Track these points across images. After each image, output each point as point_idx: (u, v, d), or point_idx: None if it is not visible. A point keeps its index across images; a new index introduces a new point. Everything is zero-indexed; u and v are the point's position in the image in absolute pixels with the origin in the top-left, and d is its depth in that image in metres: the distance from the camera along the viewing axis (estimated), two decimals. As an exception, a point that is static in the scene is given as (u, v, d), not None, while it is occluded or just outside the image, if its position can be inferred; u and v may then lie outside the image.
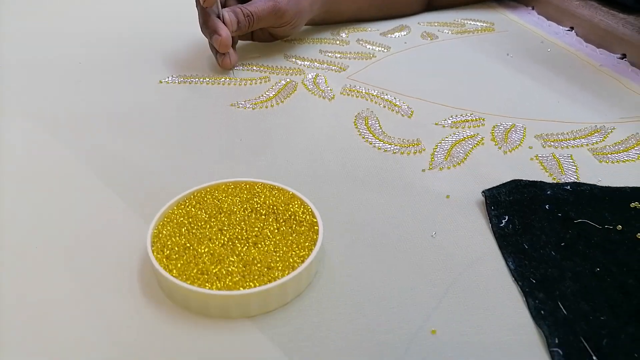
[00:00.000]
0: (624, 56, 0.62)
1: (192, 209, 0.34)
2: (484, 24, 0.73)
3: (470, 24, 0.74)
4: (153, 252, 0.30)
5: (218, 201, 0.35)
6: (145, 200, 0.37)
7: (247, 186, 0.36)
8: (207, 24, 0.52)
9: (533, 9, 0.78)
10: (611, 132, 0.47)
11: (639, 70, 0.58)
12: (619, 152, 0.44)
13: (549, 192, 0.39)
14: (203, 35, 0.55)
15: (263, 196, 0.35)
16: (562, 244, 0.34)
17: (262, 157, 0.43)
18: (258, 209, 0.34)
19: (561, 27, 0.71)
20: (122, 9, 0.77)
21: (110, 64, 0.59)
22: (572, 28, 0.70)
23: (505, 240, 0.34)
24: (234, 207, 0.34)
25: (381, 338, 0.28)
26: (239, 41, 0.61)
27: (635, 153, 0.44)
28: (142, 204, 0.37)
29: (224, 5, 0.55)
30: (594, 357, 0.27)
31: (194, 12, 0.55)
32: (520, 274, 0.32)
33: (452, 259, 0.33)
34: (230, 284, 0.29)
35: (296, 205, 0.34)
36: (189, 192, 0.35)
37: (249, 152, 0.44)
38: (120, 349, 0.27)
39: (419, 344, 0.28)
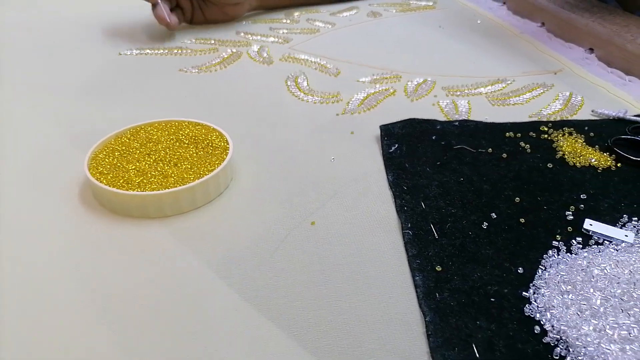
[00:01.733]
0: (542, 24, 0.68)
1: (127, 140, 0.41)
2: (428, 3, 0.80)
3: (414, 3, 0.80)
4: (89, 169, 0.37)
5: (149, 134, 0.41)
6: (96, 139, 0.44)
7: (176, 123, 0.43)
8: None
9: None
10: (511, 83, 0.53)
11: (552, 35, 0.65)
12: (511, 97, 0.50)
13: (438, 127, 0.45)
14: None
15: (188, 130, 0.42)
16: (438, 163, 0.40)
17: (200, 108, 0.50)
18: (182, 139, 0.41)
19: (495, 3, 0.78)
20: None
21: (77, 40, 0.66)
22: (504, 2, 0.77)
23: (390, 161, 0.41)
24: (162, 138, 0.41)
25: (270, 228, 0.35)
26: (195, 26, 0.68)
27: (526, 97, 0.50)
28: (94, 142, 0.44)
29: None
30: (436, 235, 0.33)
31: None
32: (395, 184, 0.38)
33: (343, 175, 0.40)
34: (149, 190, 0.35)
35: (214, 136, 0.41)
36: (126, 128, 0.42)
37: (191, 105, 0.50)
38: (61, 242, 0.34)
39: (298, 232, 0.34)
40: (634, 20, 0.59)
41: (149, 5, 0.62)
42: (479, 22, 0.72)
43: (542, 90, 0.52)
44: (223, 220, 0.36)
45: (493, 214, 0.35)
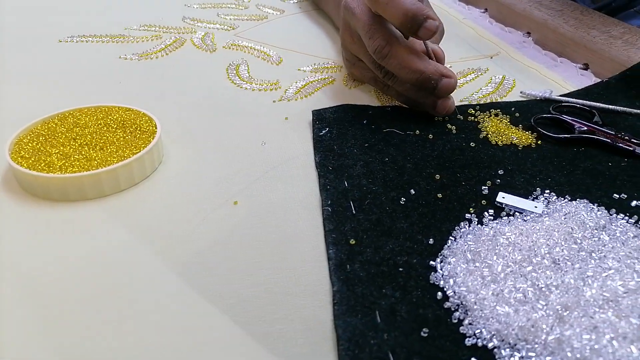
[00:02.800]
0: (485, 10, 0.70)
1: (53, 125, 0.40)
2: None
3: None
4: (11, 154, 0.37)
5: (77, 119, 0.41)
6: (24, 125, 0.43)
7: (106, 109, 0.42)
8: (428, 70, 0.41)
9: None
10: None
11: (493, 20, 0.66)
12: (446, 81, 0.52)
13: (370, 112, 0.46)
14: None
15: (117, 115, 0.42)
16: (366, 144, 0.41)
17: (137, 94, 0.49)
18: (110, 124, 0.41)
19: (444, -8, 0.79)
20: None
21: (16, 27, 0.64)
22: (452, -8, 0.78)
23: (320, 144, 0.41)
24: (89, 123, 0.41)
25: (193, 209, 0.35)
26: (140, 12, 0.67)
27: (459, 83, 0.52)
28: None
29: None
30: (353, 211, 0.34)
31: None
32: (321, 164, 0.39)
33: (272, 158, 0.40)
34: (70, 173, 0.35)
35: (143, 121, 0.41)
36: (54, 113, 0.41)
37: (126, 91, 0.50)
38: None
39: (220, 211, 0.35)
40: (568, 5, 0.61)
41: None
42: (425, 10, 0.73)
43: (475, 75, 0.53)
44: (147, 202, 0.36)
45: (412, 190, 0.36)
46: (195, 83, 0.52)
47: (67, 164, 0.36)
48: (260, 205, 0.35)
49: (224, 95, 0.50)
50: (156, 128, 0.40)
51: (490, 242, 0.30)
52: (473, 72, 0.53)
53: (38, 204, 0.35)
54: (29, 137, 0.39)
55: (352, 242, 0.31)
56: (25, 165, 0.36)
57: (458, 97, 0.49)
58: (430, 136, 0.42)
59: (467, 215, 0.33)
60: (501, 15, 0.66)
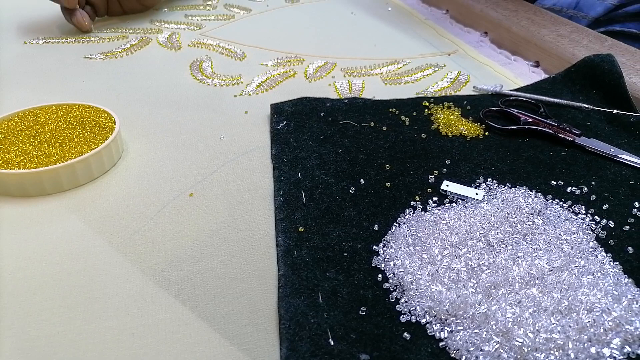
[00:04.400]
0: (447, 11, 0.72)
1: (13, 123, 0.41)
2: (345, -8, 0.83)
3: (333, -8, 0.83)
4: (-32, 152, 0.37)
5: (38, 117, 0.42)
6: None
7: (67, 107, 0.43)
8: None
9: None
10: (406, 64, 0.56)
11: (453, 21, 0.68)
12: (403, 77, 0.53)
13: (328, 105, 0.47)
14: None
15: (77, 112, 0.42)
16: (322, 137, 0.43)
17: (100, 93, 0.50)
18: (70, 121, 0.41)
19: (408, -8, 0.81)
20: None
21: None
22: (415, -9, 0.80)
23: (277, 137, 0.43)
24: (50, 120, 0.41)
25: (149, 202, 0.36)
26: (111, 16, 0.68)
27: (417, 77, 0.53)
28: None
29: None
30: (304, 200, 0.35)
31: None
32: (277, 156, 0.40)
33: (230, 151, 0.41)
34: (28, 169, 0.36)
35: (103, 117, 0.42)
36: (15, 112, 0.42)
37: (90, 90, 0.51)
38: None
39: (176, 203, 0.36)
40: (522, 5, 0.64)
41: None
42: (389, 9, 0.75)
43: (433, 70, 0.55)
44: (104, 196, 0.36)
45: (362, 180, 0.37)
46: (158, 80, 0.53)
47: (25, 161, 0.37)
48: (215, 196, 0.36)
49: (186, 91, 0.51)
50: (115, 124, 0.41)
51: (430, 227, 0.32)
52: (431, 67, 0.55)
53: (-4, 199, 0.36)
54: (-13, 135, 0.39)
55: (301, 229, 0.33)
56: (-18, 161, 0.36)
57: (414, 90, 0.51)
58: (384, 128, 0.44)
59: (413, 203, 0.35)
60: (461, 15, 0.68)
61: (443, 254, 0.30)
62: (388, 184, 0.37)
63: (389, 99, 0.48)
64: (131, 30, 0.64)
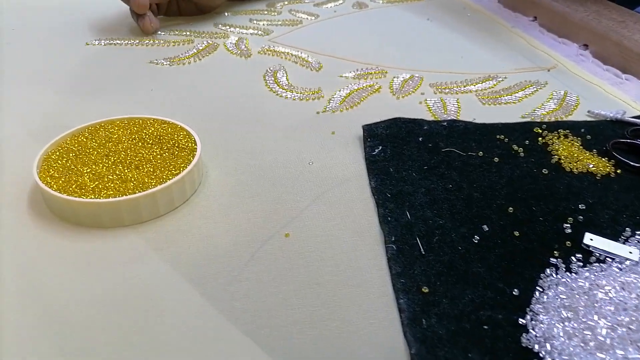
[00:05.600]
0: (535, 18, 0.65)
1: (84, 139, 0.37)
2: (416, -5, 0.77)
3: (402, -6, 0.77)
4: (39, 173, 0.33)
5: (110, 133, 0.37)
6: (51, 135, 0.40)
7: (140, 121, 0.39)
8: None
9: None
10: (502, 80, 0.51)
11: (544, 30, 0.62)
12: (503, 96, 0.48)
13: (425, 128, 0.42)
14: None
15: (152, 129, 0.38)
16: (425, 167, 0.37)
17: (170, 103, 0.46)
18: (145, 139, 0.37)
19: (486, -4, 0.75)
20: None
21: (41, 29, 0.61)
22: (495, -4, 0.74)
23: (374, 165, 0.38)
24: (123, 138, 0.37)
25: (241, 241, 0.31)
26: (169, 17, 0.64)
27: (518, 96, 0.47)
28: (48, 138, 0.40)
29: None
30: (422, 250, 0.30)
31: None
32: (378, 190, 0.35)
33: (322, 181, 0.36)
34: (104, 196, 0.32)
35: (181, 136, 0.37)
36: (84, 125, 0.38)
37: (159, 99, 0.47)
38: (6, 255, 0.30)
39: (271, 245, 0.31)
40: (629, 15, 0.57)
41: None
42: (468, 15, 0.68)
43: (535, 89, 0.49)
44: (188, 231, 0.32)
45: (485, 226, 0.32)
46: (232, 91, 0.48)
47: (100, 186, 0.32)
48: (315, 238, 0.31)
49: (263, 104, 0.46)
50: (196, 145, 0.36)
51: (586, 297, 0.26)
52: (532, 85, 0.49)
53: (69, 230, 0.32)
54: (58, 153, 0.35)
55: (425, 290, 0.27)
56: (55, 186, 0.32)
57: (517, 113, 0.45)
58: (496, 159, 0.38)
59: (552, 260, 0.29)
60: (553, 24, 0.62)
61: (613, 337, 0.24)
62: (516, 233, 0.31)
63: (493, 122, 0.43)
64: (196, 34, 0.60)
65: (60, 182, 0.33)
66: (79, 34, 0.59)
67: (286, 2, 0.73)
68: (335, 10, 0.70)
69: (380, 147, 0.39)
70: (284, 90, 0.48)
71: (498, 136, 0.41)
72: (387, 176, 0.36)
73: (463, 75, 0.51)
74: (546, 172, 0.37)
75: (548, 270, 0.28)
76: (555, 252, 0.30)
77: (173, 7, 0.64)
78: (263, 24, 0.64)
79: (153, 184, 0.33)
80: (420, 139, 0.40)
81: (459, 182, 0.36)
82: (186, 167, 0.34)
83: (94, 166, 0.34)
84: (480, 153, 0.39)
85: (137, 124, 0.39)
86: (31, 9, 0.67)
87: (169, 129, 0.38)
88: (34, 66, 0.52)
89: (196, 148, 0.36)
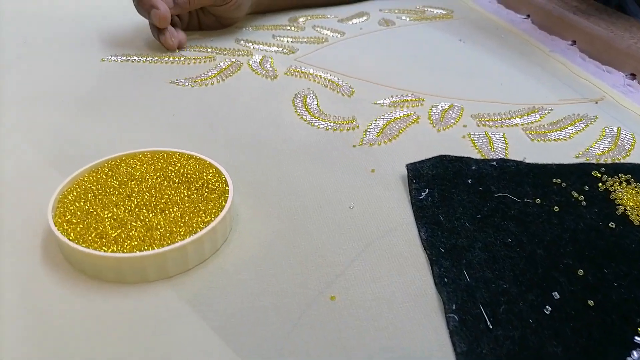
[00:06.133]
0: (574, 42, 0.62)
1: (104, 176, 0.33)
2: (444, 11, 0.73)
3: (430, 11, 0.74)
4: (54, 217, 0.30)
5: (131, 169, 0.34)
6: (66, 167, 0.37)
7: (164, 155, 0.35)
8: (142, 2, 0.52)
9: (494, -3, 0.78)
10: (548, 113, 0.47)
11: (585, 56, 0.59)
12: (552, 132, 0.44)
13: (473, 168, 0.38)
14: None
15: (178, 165, 0.35)
16: (479, 215, 0.34)
17: (192, 131, 0.42)
18: (171, 177, 0.34)
19: (518, 15, 0.71)
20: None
21: (54, 42, 0.58)
22: (528, 16, 0.70)
23: (422, 212, 0.34)
24: (146, 175, 0.34)
25: (279, 302, 0.28)
26: (188, 31, 0.61)
27: (569, 132, 0.44)
28: (62, 171, 0.36)
29: None
30: (489, 323, 0.26)
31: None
32: (430, 243, 0.32)
33: (366, 229, 0.33)
34: (128, 247, 0.28)
35: (210, 174, 0.34)
36: (103, 160, 0.34)
37: (180, 126, 0.43)
38: (17, 312, 0.27)
39: (316, 310, 0.27)
40: (681, 44, 0.54)
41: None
42: (502, 36, 0.65)
43: (585, 124, 0.45)
44: (220, 289, 0.28)
45: (555, 292, 0.28)
46: (259, 118, 0.45)
47: (123, 235, 0.29)
48: (364, 303, 0.28)
49: (293, 134, 0.43)
50: (227, 186, 0.33)
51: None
52: (581, 120, 0.46)
53: (87, 285, 0.28)
54: (75, 193, 0.32)
55: (498, 374, 0.24)
56: (72, 235, 0.29)
57: (572, 151, 0.41)
58: (556, 208, 0.35)
59: (637, 339, 0.26)
60: (595, 50, 0.59)
61: None
62: (590, 302, 0.28)
63: (545, 163, 0.39)
64: (217, 50, 0.57)
65: (78, 229, 0.29)
66: (94, 48, 0.56)
67: (309, 17, 0.70)
68: (361, 27, 0.67)
69: (427, 191, 0.36)
70: (315, 119, 0.45)
71: (554, 180, 0.37)
72: (437, 226, 0.33)
73: (506, 106, 0.48)
74: (613, 226, 0.33)
75: (635, 354, 0.25)
76: (639, 328, 0.26)
77: (194, 21, 0.60)
78: (287, 41, 0.61)
79: (182, 233, 0.29)
80: (469, 180, 0.37)
81: (518, 235, 0.32)
82: (218, 213, 0.31)
83: (115, 210, 0.31)
84: (538, 200, 0.35)
85: (162, 158, 0.35)
86: (44, 18, 0.64)
87: (197, 166, 0.35)
88: (45, 84, 0.49)
89: (227, 189, 0.33)
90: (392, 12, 0.73)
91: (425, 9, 0.74)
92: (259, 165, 0.39)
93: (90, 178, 0.33)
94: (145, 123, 0.43)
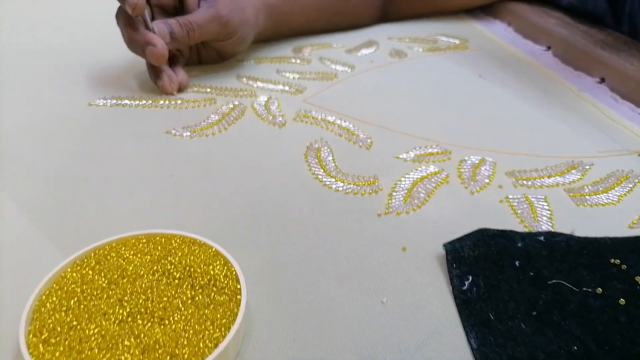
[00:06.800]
0: (602, 80, 0.58)
1: (90, 272, 0.28)
2: (458, 41, 0.69)
3: (443, 40, 0.69)
4: (28, 335, 0.24)
5: (124, 260, 0.29)
6: (39, 256, 0.31)
7: (162, 240, 0.30)
8: (134, 39, 0.46)
9: (509, 25, 0.73)
10: (589, 168, 0.42)
11: (618, 97, 0.54)
12: (598, 193, 0.39)
13: (519, 245, 0.33)
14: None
15: (180, 254, 0.29)
16: (534, 312, 0.29)
17: (193, 197, 0.37)
18: (171, 271, 0.28)
19: (537, 46, 0.67)
20: (50, 19, 0.70)
21: (32, 81, 0.52)
22: (549, 47, 0.66)
23: (468, 308, 0.29)
24: (141, 270, 0.28)
25: None
26: (188, 66, 0.55)
27: (616, 194, 0.39)
28: (35, 261, 0.31)
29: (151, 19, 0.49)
30: None
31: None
32: (483, 355, 0.26)
33: (404, 333, 0.28)
34: (120, 382, 0.23)
35: (218, 267, 0.28)
36: (90, 248, 0.29)
37: (178, 191, 0.38)
38: None
39: None
40: None
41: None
42: (524, 72, 0.61)
43: (632, 182, 0.41)
44: None
45: None
46: (268, 178, 0.39)
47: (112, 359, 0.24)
48: None
49: (310, 200, 0.37)
50: (239, 284, 0.28)
51: None
52: (627, 178, 0.41)
53: None
54: (55, 299, 0.26)
55: None
56: (50, 363, 0.23)
57: (624, 219, 0.36)
58: (621, 301, 0.30)
59: None
60: (627, 90, 0.54)
61: None
62: None
63: (598, 236, 0.35)
64: (218, 91, 0.51)
65: (58, 354, 0.24)
66: (80, 89, 0.50)
67: (314, 47, 0.65)
68: (372, 60, 0.62)
69: (471, 278, 0.31)
70: (332, 179, 0.40)
71: (612, 260, 0.32)
72: (488, 329, 0.28)
73: (541, 160, 0.43)
74: (693, 326, 0.29)
75: None
76: None
77: (194, 56, 0.55)
78: (293, 78, 0.56)
79: (185, 355, 0.24)
80: (517, 263, 0.32)
81: (582, 339, 0.27)
82: (229, 324, 0.25)
83: (103, 321, 0.25)
84: (599, 290, 0.30)
85: (159, 244, 0.30)
86: (20, 52, 0.58)
87: (202, 255, 0.29)
88: (17, 134, 0.43)
89: (239, 289, 0.27)
90: (403, 41, 0.68)
91: (438, 38, 0.70)
92: (272, 247, 0.33)
93: (74, 275, 0.27)
94: (138, 189, 0.38)
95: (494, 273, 0.31)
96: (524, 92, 0.55)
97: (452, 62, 0.63)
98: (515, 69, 0.61)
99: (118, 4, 0.46)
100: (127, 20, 0.46)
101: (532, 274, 0.31)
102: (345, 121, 0.48)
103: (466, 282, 0.30)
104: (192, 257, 0.29)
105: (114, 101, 0.48)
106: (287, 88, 0.53)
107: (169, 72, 0.48)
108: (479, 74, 0.59)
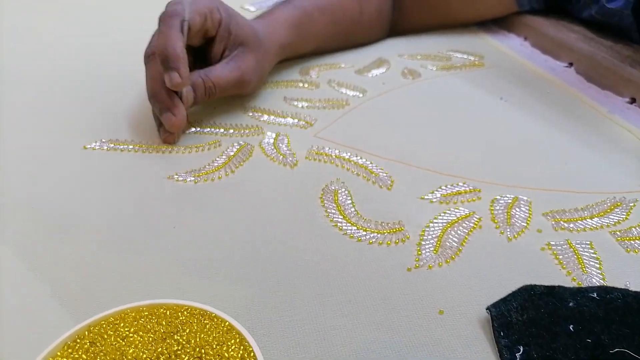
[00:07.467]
0: (633, 100, 0.54)
1: (83, 356, 0.24)
2: (473, 58, 0.65)
3: (457, 57, 0.65)
4: None
5: (122, 340, 0.25)
6: (25, 335, 0.27)
7: (167, 313, 0.26)
8: (158, 97, 0.43)
9: (526, 39, 0.70)
10: (634, 205, 0.38)
11: (650, 119, 0.51)
12: (647, 236, 0.36)
13: (571, 304, 0.29)
14: (144, 97, 0.45)
15: (188, 330, 0.25)
16: (598, 392, 0.25)
17: (199, 254, 0.33)
18: (179, 353, 0.24)
19: (558, 63, 0.63)
20: (42, 50, 0.66)
21: (20, 121, 0.48)
22: (571, 64, 0.62)
23: (522, 389, 0.25)
24: (143, 352, 0.24)
25: None
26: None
27: (665, 235, 0.36)
28: (19, 339, 0.27)
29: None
30: None
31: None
32: None
33: None
34: None
35: (233, 347, 0.25)
36: (83, 325, 0.25)
37: (182, 246, 0.34)
38: None
39: None
40: None
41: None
42: (548, 92, 0.57)
43: (684, 221, 0.37)
44: None
45: None
46: (281, 230, 0.36)
47: None
48: None
49: (329, 253, 0.33)
50: (256, 368, 0.24)
51: None
52: (677, 216, 0.37)
53: None
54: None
55: None
56: None
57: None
58: (697, 375, 0.26)
59: None
60: (661, 109, 0.51)
61: None
62: None
63: (657, 289, 0.31)
64: (222, 129, 0.48)
65: None
66: (74, 131, 0.46)
67: (321, 68, 0.61)
68: (384, 82, 0.59)
69: (522, 349, 0.27)
70: (353, 226, 0.36)
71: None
72: (549, 417, 0.24)
73: (579, 197, 0.39)
74: None
75: None
76: None
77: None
78: (302, 107, 0.52)
79: None
80: (571, 327, 0.28)
81: None
82: None
83: None
84: (671, 360, 0.27)
85: (163, 317, 0.26)
86: (6, 86, 0.55)
87: (213, 330, 0.25)
88: (10, 189, 0.40)
89: (258, 376, 0.23)
90: (415, 59, 0.64)
91: (452, 55, 0.66)
92: (291, 313, 0.29)
93: (65, 355, 0.24)
94: (137, 240, 0.34)
95: (547, 341, 0.27)
96: (550, 117, 0.51)
97: (470, 82, 0.59)
98: (537, 88, 0.57)
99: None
100: (155, 74, 0.43)
101: (589, 340, 0.27)
102: (361, 157, 0.44)
103: (517, 355, 0.27)
104: (202, 335, 0.25)
105: (111, 145, 0.44)
106: (296, 121, 0.50)
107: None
108: (500, 96, 0.56)
